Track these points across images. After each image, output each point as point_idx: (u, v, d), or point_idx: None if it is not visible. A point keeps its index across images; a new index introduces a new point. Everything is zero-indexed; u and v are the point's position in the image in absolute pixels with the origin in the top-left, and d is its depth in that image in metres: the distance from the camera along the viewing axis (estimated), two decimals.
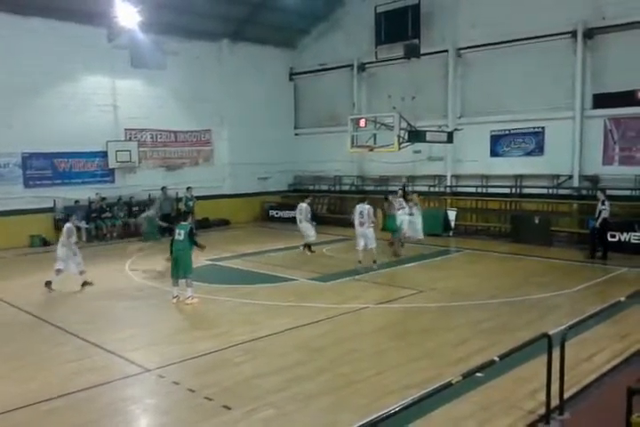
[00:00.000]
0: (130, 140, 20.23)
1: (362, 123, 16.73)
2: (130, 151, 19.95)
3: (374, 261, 13.16)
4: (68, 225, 11.74)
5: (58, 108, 18.32)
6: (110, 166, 19.68)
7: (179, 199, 20.49)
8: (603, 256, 14.13)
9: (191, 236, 10.42)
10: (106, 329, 9.07)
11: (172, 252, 10.48)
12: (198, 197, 21.44)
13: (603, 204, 14.11)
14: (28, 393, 6.50)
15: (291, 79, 25.06)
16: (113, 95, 19.75)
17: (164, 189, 19.87)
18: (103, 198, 19.31)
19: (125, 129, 20.14)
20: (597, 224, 14.15)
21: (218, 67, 22.52)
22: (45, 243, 17.70)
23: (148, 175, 20.69)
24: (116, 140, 19.74)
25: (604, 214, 14.01)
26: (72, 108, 18.65)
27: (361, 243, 13.12)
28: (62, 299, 10.99)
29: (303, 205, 15.56)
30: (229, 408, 6.02)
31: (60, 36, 17.92)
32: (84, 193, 18.96)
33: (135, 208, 19.88)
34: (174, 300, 10.43)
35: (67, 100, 18.54)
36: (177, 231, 10.49)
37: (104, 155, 19.52)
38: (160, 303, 10.62)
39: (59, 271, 11.47)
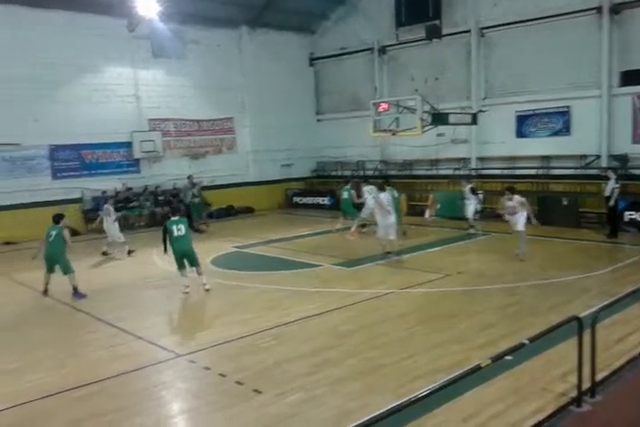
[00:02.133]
0: (153, 130, 20.41)
1: (384, 106, 16.60)
2: (154, 141, 20.15)
3: (392, 252, 12.69)
4: (106, 205, 14.37)
5: (82, 99, 18.56)
6: (135, 156, 19.93)
7: (203, 188, 20.63)
8: (611, 234, 14.20)
9: (189, 229, 10.57)
10: (136, 316, 9.26)
11: (174, 249, 10.30)
12: (222, 186, 21.69)
13: (616, 182, 13.94)
14: (61, 380, 6.68)
15: (311, 64, 24.91)
16: (135, 86, 19.92)
17: (190, 177, 20.03)
18: (129, 188, 19.58)
19: (149, 119, 20.32)
20: (612, 203, 13.99)
21: (238, 54, 22.50)
22: (74, 233, 18.00)
23: (172, 164, 20.91)
24: (140, 130, 19.94)
25: (615, 194, 13.95)
26: (96, 99, 18.88)
27: (381, 232, 12.70)
28: (92, 288, 11.20)
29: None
30: (260, 392, 6.11)
31: (80, 28, 18.08)
32: (111, 183, 19.26)
33: (161, 197, 20.12)
34: (187, 290, 10.36)
35: (90, 92, 18.77)
36: (175, 227, 10.24)
37: (129, 145, 19.77)
38: (193, 289, 10.77)
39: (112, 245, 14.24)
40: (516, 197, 11.99)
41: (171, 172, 20.72)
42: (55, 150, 18.34)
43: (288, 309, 9.16)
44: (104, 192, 18.90)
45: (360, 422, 4.02)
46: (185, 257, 10.34)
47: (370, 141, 21.53)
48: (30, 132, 17.46)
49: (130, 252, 14.41)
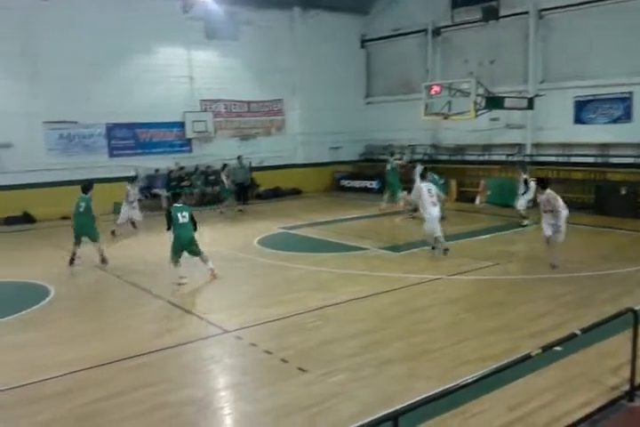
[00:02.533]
0: (205, 110, 20.68)
1: (436, 89, 16.27)
2: (205, 121, 20.43)
3: (437, 248, 11.44)
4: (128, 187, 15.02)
5: (137, 79, 18.94)
6: (188, 136, 20.28)
7: (251, 168, 20.90)
8: None
9: (193, 217, 9.97)
10: (185, 292, 9.51)
11: (176, 236, 9.79)
12: (270, 167, 21.86)
13: None
14: (113, 350, 6.91)
15: (362, 46, 24.61)
16: (189, 67, 20.17)
17: (239, 158, 20.31)
18: (182, 168, 19.98)
19: (201, 100, 20.59)
20: None
21: (290, 36, 22.42)
22: None
23: (223, 145, 21.16)
24: (193, 110, 20.23)
25: None
26: (150, 79, 19.22)
27: (432, 226, 11.26)
28: (144, 263, 11.55)
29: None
30: (304, 371, 6.19)
31: (136, 9, 18.36)
32: (164, 162, 19.72)
33: (211, 177, 20.47)
34: (184, 280, 9.78)
35: (145, 72, 19.12)
36: (180, 214, 9.73)
37: (181, 125, 20.11)
38: (236, 269, 10.97)
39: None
40: (548, 192, 10.04)
41: (221, 152, 20.98)
42: (112, 129, 18.86)
43: (334, 290, 9.21)
44: (157, 170, 19.39)
45: (406, 404, 4.02)
46: (186, 246, 9.86)
47: (420, 125, 21.15)
48: (88, 110, 17.96)
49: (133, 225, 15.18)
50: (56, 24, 17.27)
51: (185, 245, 9.88)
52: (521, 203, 14.60)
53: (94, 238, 11.25)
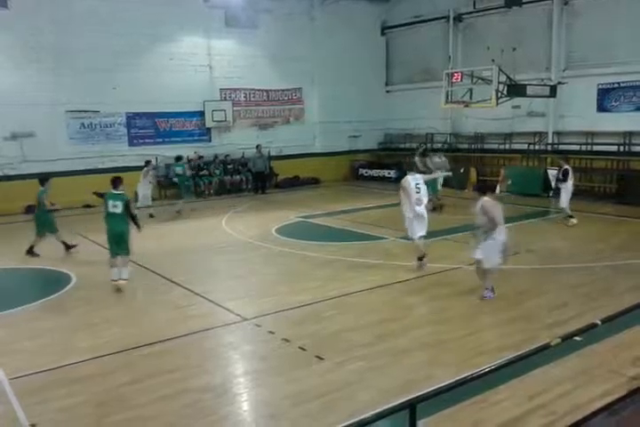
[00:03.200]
0: (224, 99, 20.70)
1: (457, 77, 16.08)
2: (225, 111, 20.47)
3: (422, 258, 9.69)
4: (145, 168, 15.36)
5: (157, 69, 19.02)
6: (207, 126, 20.35)
7: (271, 157, 20.95)
8: None
9: (128, 209, 8.79)
10: (205, 280, 9.61)
11: (106, 228, 8.93)
12: (289, 156, 21.83)
13: None
14: (136, 336, 7.05)
15: (383, 34, 24.36)
16: (209, 55, 20.18)
17: (258, 147, 20.36)
18: (201, 157, 20.07)
19: (220, 89, 20.60)
20: None
21: (309, 24, 22.28)
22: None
23: (241, 134, 21.21)
24: (212, 99, 20.28)
25: None
26: (171, 68, 19.30)
27: (417, 231, 9.48)
28: (165, 251, 11.69)
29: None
30: (322, 358, 6.24)
31: None
32: (184, 151, 19.69)
33: (230, 166, 20.54)
34: (121, 281, 8.91)
35: (166, 61, 19.21)
36: (111, 202, 8.72)
37: (201, 114, 20.18)
38: (254, 258, 11.05)
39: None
40: (485, 199, 7.96)
41: (240, 141, 21.06)
42: (132, 118, 19.00)
43: (351, 279, 9.23)
44: (177, 159, 19.46)
45: (424, 392, 4.03)
46: (114, 241, 8.79)
47: (440, 113, 20.99)
48: (109, 100, 18.13)
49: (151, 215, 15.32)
50: (79, 15, 17.39)
51: (112, 239, 8.81)
52: (563, 199, 13.16)
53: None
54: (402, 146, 23.72)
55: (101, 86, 17.86)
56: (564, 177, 13.06)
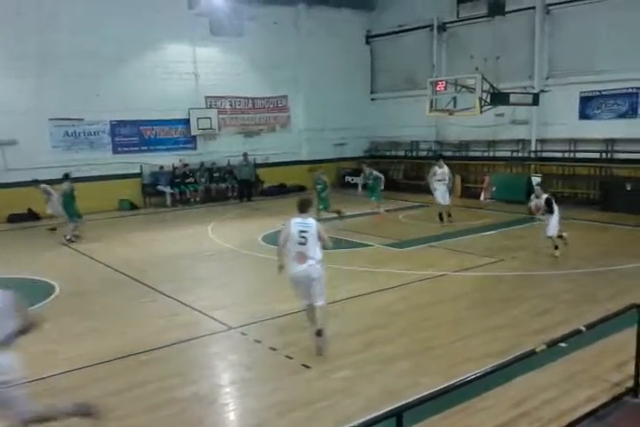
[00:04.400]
0: (210, 107, 20.68)
1: (441, 85, 16.24)
2: (210, 118, 20.45)
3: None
4: (42, 185, 14.62)
5: (143, 76, 18.95)
6: (192, 133, 20.30)
7: (257, 165, 20.95)
8: None
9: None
10: (191, 288, 9.54)
11: None
12: (275, 164, 21.81)
13: None
14: (122, 345, 6.98)
15: (367, 42, 24.55)
16: (194, 63, 20.15)
17: (245, 154, 20.36)
18: (186, 164, 20.01)
19: (206, 97, 20.58)
20: None
21: (294, 32, 22.37)
22: (133, 207, 18.68)
23: (227, 142, 21.17)
24: (198, 107, 20.25)
25: None
26: (156, 76, 19.24)
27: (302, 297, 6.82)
28: (150, 260, 11.60)
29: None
30: (309, 367, 6.22)
31: (143, 5, 18.34)
32: (169, 159, 19.73)
33: (216, 174, 20.50)
34: None
35: (151, 69, 19.15)
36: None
37: (186, 122, 20.13)
38: (240, 266, 11.02)
39: None
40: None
41: (226, 149, 21.02)
42: (116, 126, 18.87)
43: (337, 287, 9.17)
44: (161, 167, 19.43)
45: (409, 400, 4.03)
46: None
47: (425, 121, 21.13)
48: (93, 107, 17.98)
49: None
50: (63, 23, 17.27)
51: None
52: (553, 225, 10.65)
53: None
54: (387, 153, 23.84)
55: (85, 94, 17.69)
56: (549, 208, 10.59)
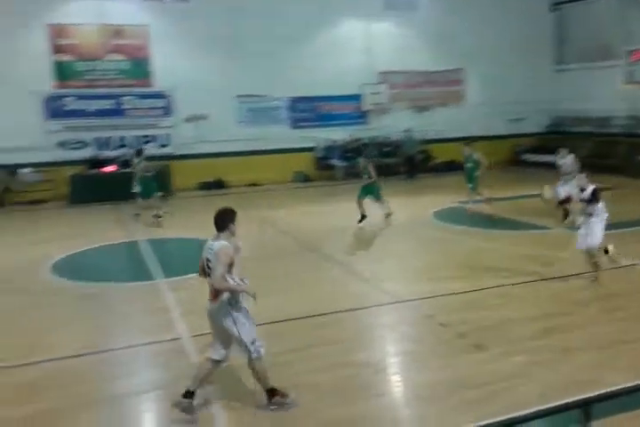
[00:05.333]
0: (382, 82, 20.72)
1: (639, 55, 14.49)
2: (382, 93, 20.51)
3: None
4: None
5: (318, 54, 19.55)
6: (364, 109, 20.55)
7: (427, 141, 20.65)
8: None
9: None
10: (362, 260, 9.86)
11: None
12: (446, 139, 21.22)
13: None
14: (297, 307, 7.44)
15: (552, 10, 22.61)
16: (368, 39, 20.25)
17: (407, 130, 20.26)
18: (357, 139, 20.37)
19: (379, 72, 20.63)
20: None
21: (467, 2, 21.30)
22: (306, 179, 19.62)
23: (398, 117, 21.11)
24: (369, 82, 20.39)
25: None
26: (330, 53, 19.72)
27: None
28: (322, 230, 12.14)
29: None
30: (481, 348, 6.09)
31: None
32: (341, 134, 20.27)
33: (387, 149, 20.62)
34: None
35: (326, 47, 19.70)
36: None
37: (358, 97, 20.42)
38: (412, 240, 11.10)
39: None
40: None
41: (396, 124, 20.99)
42: (294, 102, 19.82)
43: (513, 270, 8.84)
44: (335, 142, 20.06)
45: (596, 393, 3.75)
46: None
47: (617, 95, 19.08)
48: (275, 85, 19.06)
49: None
50: (249, 7, 18.45)
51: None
52: (597, 235, 7.97)
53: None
54: (571, 130, 21.98)
55: (266, 72, 18.77)
56: (594, 197, 8.04)
